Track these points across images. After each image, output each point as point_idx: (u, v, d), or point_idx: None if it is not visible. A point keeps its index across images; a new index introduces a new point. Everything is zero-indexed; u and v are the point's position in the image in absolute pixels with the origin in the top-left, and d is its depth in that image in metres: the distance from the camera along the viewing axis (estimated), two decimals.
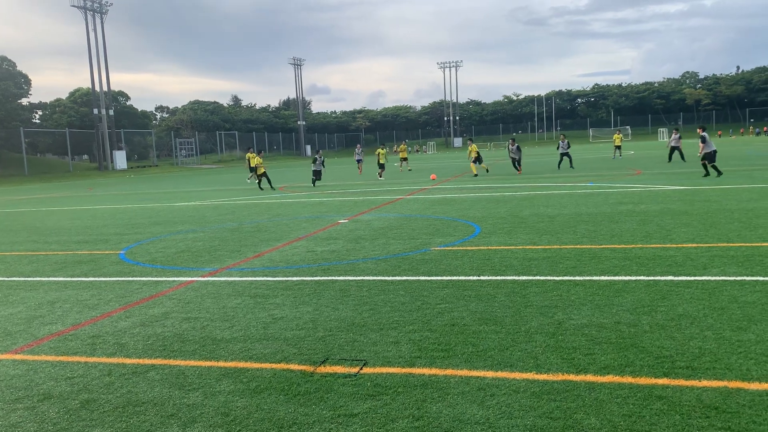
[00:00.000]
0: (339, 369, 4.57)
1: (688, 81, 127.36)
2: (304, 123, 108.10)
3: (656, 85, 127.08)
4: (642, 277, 6.87)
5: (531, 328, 5.30)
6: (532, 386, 4.08)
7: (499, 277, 7.22)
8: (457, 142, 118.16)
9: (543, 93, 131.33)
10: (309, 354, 4.95)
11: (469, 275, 7.40)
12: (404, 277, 7.50)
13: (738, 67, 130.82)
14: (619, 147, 38.32)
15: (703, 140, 20.12)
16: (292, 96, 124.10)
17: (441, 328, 5.40)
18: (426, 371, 4.43)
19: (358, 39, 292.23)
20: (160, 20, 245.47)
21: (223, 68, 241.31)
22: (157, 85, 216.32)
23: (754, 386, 3.88)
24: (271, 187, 26.21)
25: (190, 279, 8.11)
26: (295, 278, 7.82)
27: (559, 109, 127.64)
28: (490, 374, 4.31)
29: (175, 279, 8.17)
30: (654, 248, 8.53)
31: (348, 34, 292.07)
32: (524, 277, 7.16)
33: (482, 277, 7.25)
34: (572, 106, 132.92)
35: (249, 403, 4.05)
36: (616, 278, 6.90)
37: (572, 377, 4.19)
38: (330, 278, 7.71)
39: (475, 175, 27.68)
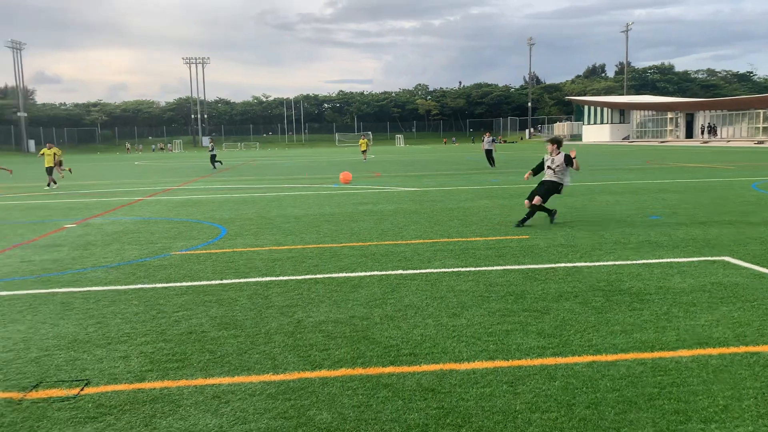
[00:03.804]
0: (55, 392, 4.07)
1: (420, 92, 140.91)
2: (26, 115, 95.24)
3: (393, 94, 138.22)
4: (376, 272, 7.34)
5: (271, 329, 5.31)
6: (268, 388, 4.07)
7: (242, 280, 7.12)
8: (206, 140, 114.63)
9: (292, 96, 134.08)
10: (18, 379, 4.32)
11: (211, 280, 7.17)
12: (139, 285, 6.99)
13: (460, 83, 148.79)
14: (365, 151, 40.63)
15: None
16: (11, 84, 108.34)
17: (177, 337, 5.13)
18: (158, 384, 4.16)
19: (94, 26, 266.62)
20: None
21: None
22: None
23: (464, 366, 4.38)
24: None
25: None
26: (4, 293, 6.80)
27: (308, 113, 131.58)
28: (226, 380, 4.20)
29: None
30: (388, 245, 9.19)
31: (80, 19, 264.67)
32: (268, 278, 7.17)
33: (225, 281, 7.09)
34: (320, 110, 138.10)
35: None
36: (353, 274, 7.27)
37: (308, 374, 4.29)
38: (50, 291, 6.86)
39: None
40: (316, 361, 4.53)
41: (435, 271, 7.37)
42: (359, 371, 4.32)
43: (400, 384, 4.09)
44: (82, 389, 4.11)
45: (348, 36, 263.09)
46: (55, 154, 23.21)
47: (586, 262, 7.69)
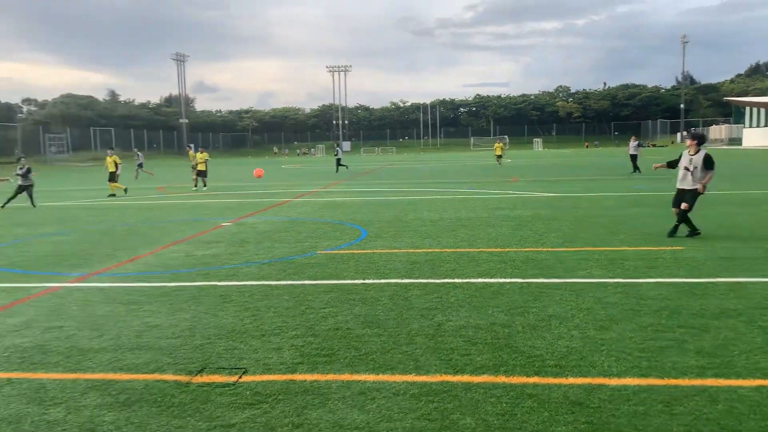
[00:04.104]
0: (217, 378, 4.42)
1: (561, 94, 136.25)
2: (187, 121, 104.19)
3: (532, 97, 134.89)
4: (516, 279, 7.21)
5: (412, 330, 5.39)
6: (411, 388, 4.14)
7: (383, 281, 7.30)
8: (346, 145, 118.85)
9: (428, 101, 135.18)
10: (185, 363, 4.74)
11: (355, 279, 7.42)
12: (289, 282, 7.40)
13: (605, 84, 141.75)
14: (500, 156, 39.51)
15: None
16: (175, 93, 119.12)
17: (324, 333, 5.37)
18: (308, 377, 4.38)
19: (247, 38, 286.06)
20: (29, 6, 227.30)
21: (99, 61, 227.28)
22: (25, 75, 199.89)
23: (614, 382, 4.17)
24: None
25: (55, 285, 7.53)
26: (172, 284, 7.48)
27: (443, 118, 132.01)
28: (371, 378, 4.33)
29: (39, 285, 7.55)
30: (527, 251, 8.98)
31: (236, 33, 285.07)
32: (407, 280, 7.29)
33: (367, 281, 7.30)
34: (455, 114, 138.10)
35: (118, 417, 3.81)
36: (493, 280, 7.19)
37: (450, 378, 4.31)
38: (210, 283, 7.45)
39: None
40: (458, 365, 4.54)
41: (580, 281, 7.10)
42: (502, 379, 4.27)
43: (546, 395, 3.99)
44: (240, 377, 4.42)
45: (485, 39, 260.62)
46: (206, 160, 24.54)
47: (750, 277, 7.04)
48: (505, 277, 7.33)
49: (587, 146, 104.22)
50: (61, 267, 8.68)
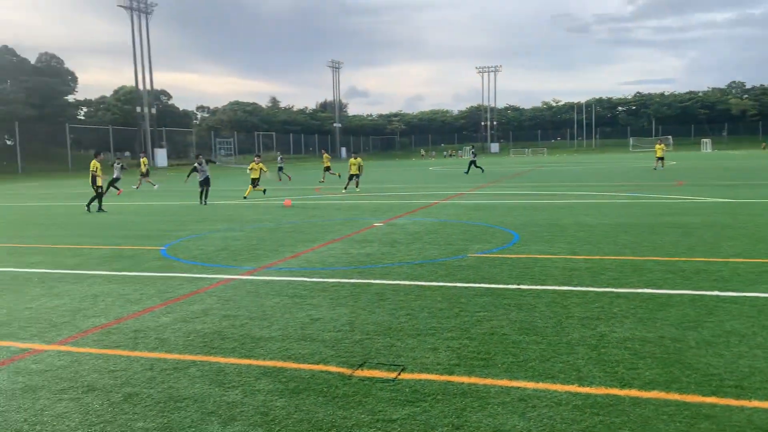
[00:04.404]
0: (377, 373, 4.56)
1: (734, 91, 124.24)
2: (340, 125, 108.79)
3: (700, 94, 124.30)
4: (687, 291, 6.69)
5: (573, 339, 5.20)
6: (574, 399, 4.00)
7: (539, 287, 7.12)
8: (494, 147, 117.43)
9: (583, 100, 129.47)
10: (347, 357, 4.95)
11: (509, 284, 7.31)
12: (441, 283, 7.46)
13: None
14: (661, 158, 36.71)
15: None
16: (330, 98, 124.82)
17: (480, 337, 5.34)
18: (465, 379, 4.38)
19: (396, 43, 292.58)
20: (203, 21, 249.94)
21: (262, 70, 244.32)
22: (199, 84, 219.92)
23: None
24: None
25: (229, 277, 8.20)
26: (331, 280, 7.84)
27: (599, 117, 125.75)
28: (531, 385, 4.24)
29: (215, 276, 8.27)
30: (698, 261, 8.31)
31: (386, 38, 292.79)
32: (565, 288, 7.04)
33: (522, 286, 7.16)
34: (613, 114, 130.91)
35: (288, 404, 4.06)
36: (660, 291, 6.73)
37: (616, 391, 4.10)
38: (366, 281, 7.71)
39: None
40: (624, 379, 4.30)
41: (762, 295, 6.43)
42: (675, 396, 3.98)
43: (726, 418, 3.66)
44: (399, 374, 4.53)
45: (647, 34, 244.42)
46: (329, 163, 25.35)
47: None
48: (673, 288, 6.84)
49: (765, 147, 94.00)
50: (233, 261, 9.44)
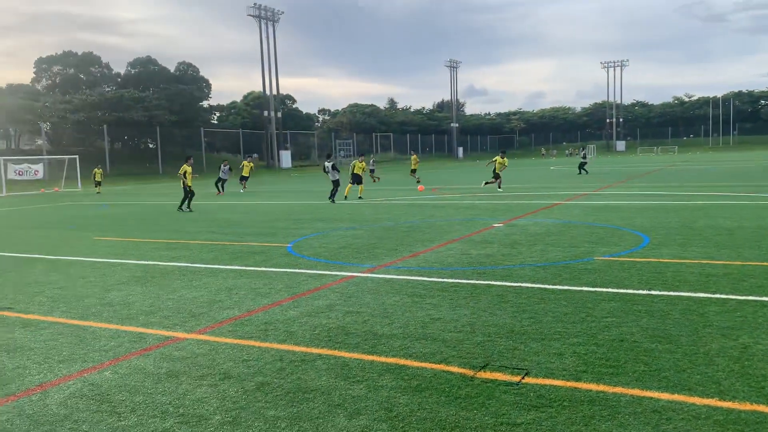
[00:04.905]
0: (500, 376, 4.50)
1: None
2: (457, 125, 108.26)
3: None
4: None
5: (711, 350, 4.86)
6: (714, 413, 3.73)
7: (672, 293, 6.70)
8: (620, 145, 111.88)
9: (719, 94, 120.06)
10: (468, 358, 4.92)
11: (639, 289, 6.95)
12: (565, 287, 7.22)
13: None
14: None
15: None
16: (447, 98, 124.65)
17: (608, 343, 5.12)
18: (593, 387, 4.22)
19: (517, 39, 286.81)
20: (323, 26, 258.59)
21: (380, 72, 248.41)
22: (320, 88, 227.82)
23: None
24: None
25: (351, 274, 8.43)
26: (450, 280, 7.84)
27: (738, 112, 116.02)
28: (665, 396, 4.01)
29: (338, 273, 8.54)
30: None
31: (506, 35, 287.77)
32: (701, 294, 6.58)
33: (653, 292, 6.78)
34: (754, 108, 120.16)
35: (411, 401, 4.11)
36: None
37: (763, 408, 3.78)
38: (486, 282, 7.63)
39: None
40: None
41: None
42: None
43: None
44: (523, 378, 4.45)
45: None
46: (503, 165, 24.99)
47: None
48: None
49: None
50: (355, 258, 9.69)
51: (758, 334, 5.20)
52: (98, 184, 36.83)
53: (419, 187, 26.93)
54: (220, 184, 29.84)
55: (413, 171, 34.27)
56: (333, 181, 22.35)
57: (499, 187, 24.85)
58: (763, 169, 34.73)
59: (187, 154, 23.51)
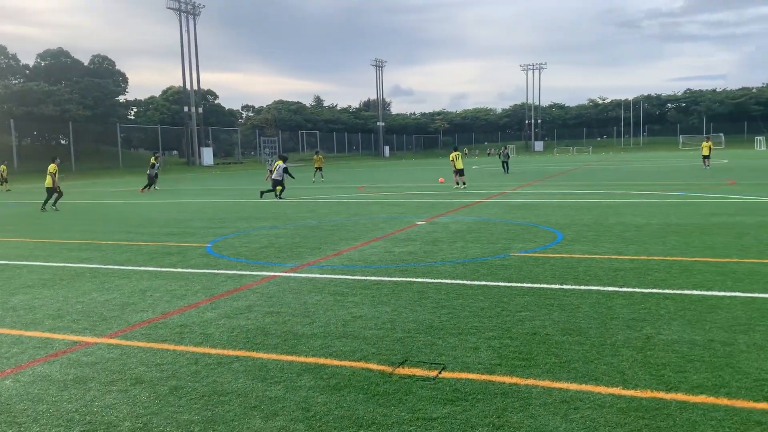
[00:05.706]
0: (418, 371, 4.56)
1: None
2: (383, 124, 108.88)
3: (754, 90, 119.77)
4: (738, 294, 6.48)
5: (617, 341, 5.10)
6: (618, 402, 3.92)
7: (582, 287, 7.00)
8: (538, 145, 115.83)
9: (631, 97, 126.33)
10: (388, 354, 4.96)
11: (551, 283, 7.21)
12: (483, 282, 7.41)
13: None
14: (707, 156, 35.20)
15: None
16: (373, 97, 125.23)
17: (522, 336, 5.29)
18: (506, 379, 4.35)
19: (440, 41, 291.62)
20: (248, 21, 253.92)
21: (306, 69, 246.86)
22: (244, 84, 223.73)
23: None
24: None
25: (272, 274, 8.32)
26: (373, 278, 7.87)
27: (648, 114, 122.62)
28: (573, 387, 4.18)
29: (258, 273, 8.40)
30: (751, 263, 8.03)
31: (429, 36, 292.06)
32: (610, 288, 6.91)
33: (565, 286, 7.05)
34: (662, 111, 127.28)
35: (329, 400, 4.10)
36: (709, 293, 6.54)
37: (662, 395, 4.00)
38: (408, 279, 7.71)
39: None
40: (671, 382, 4.20)
41: None
42: (723, 401, 3.87)
43: None
44: (439, 372, 4.52)
45: (698, 28, 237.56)
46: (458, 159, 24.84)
47: None
48: (724, 290, 6.63)
49: None
50: (277, 258, 9.57)
51: (660, 325, 5.50)
52: (4, 181, 34.72)
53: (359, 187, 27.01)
54: (155, 180, 29.50)
55: (318, 169, 34.26)
56: (275, 180, 22.07)
57: (464, 184, 24.68)
58: (670, 168, 36.83)
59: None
